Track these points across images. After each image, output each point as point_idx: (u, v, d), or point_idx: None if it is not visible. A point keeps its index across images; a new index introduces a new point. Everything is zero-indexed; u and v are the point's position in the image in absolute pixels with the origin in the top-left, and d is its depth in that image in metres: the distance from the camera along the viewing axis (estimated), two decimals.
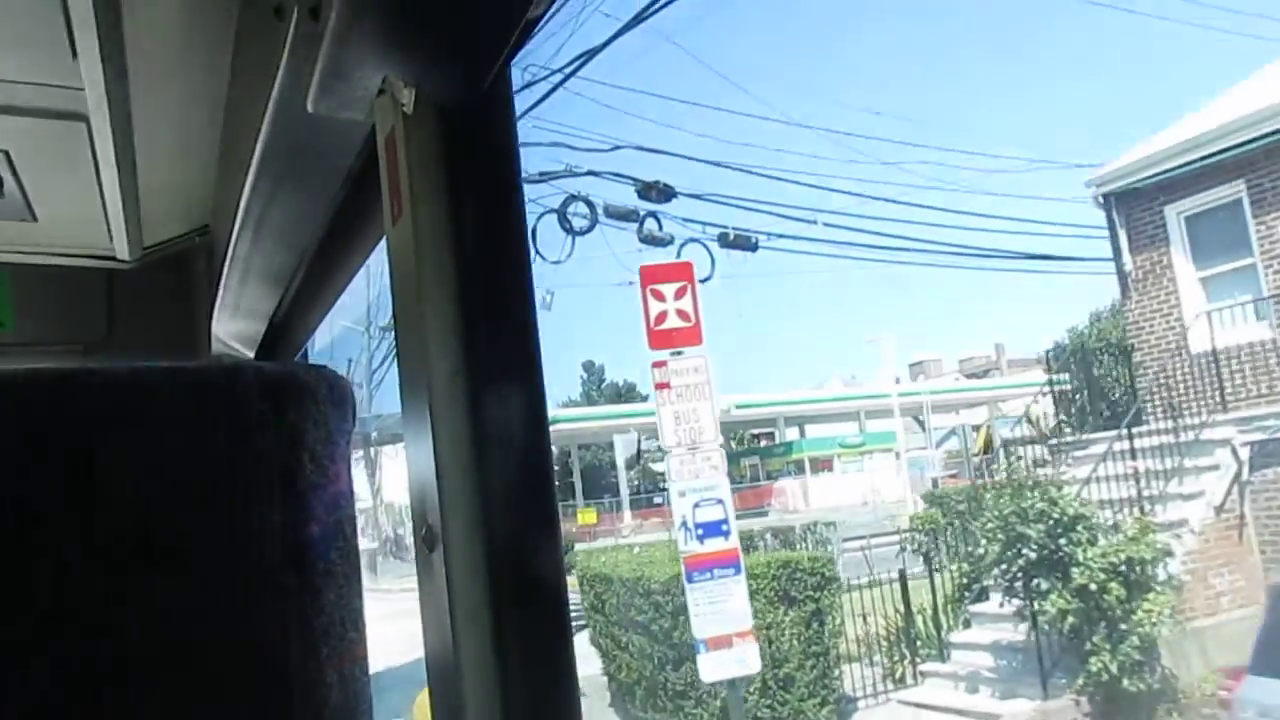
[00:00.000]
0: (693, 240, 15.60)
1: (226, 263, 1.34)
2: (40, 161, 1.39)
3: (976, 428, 40.50)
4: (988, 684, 9.78)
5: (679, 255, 15.31)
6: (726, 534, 7.89)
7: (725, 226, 16.33)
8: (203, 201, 1.62)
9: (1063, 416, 13.16)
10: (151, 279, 1.78)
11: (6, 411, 0.39)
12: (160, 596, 0.39)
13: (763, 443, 49.92)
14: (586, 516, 35.93)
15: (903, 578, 11.21)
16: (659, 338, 8.13)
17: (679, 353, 8.12)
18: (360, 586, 0.45)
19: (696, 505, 7.90)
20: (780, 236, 17.25)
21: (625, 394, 51.73)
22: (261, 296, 1.41)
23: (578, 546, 26.40)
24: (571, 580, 16.04)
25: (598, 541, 27.47)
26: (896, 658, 10.79)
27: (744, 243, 16.29)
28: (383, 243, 0.87)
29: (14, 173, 1.40)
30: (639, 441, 36.31)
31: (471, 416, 0.59)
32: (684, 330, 8.14)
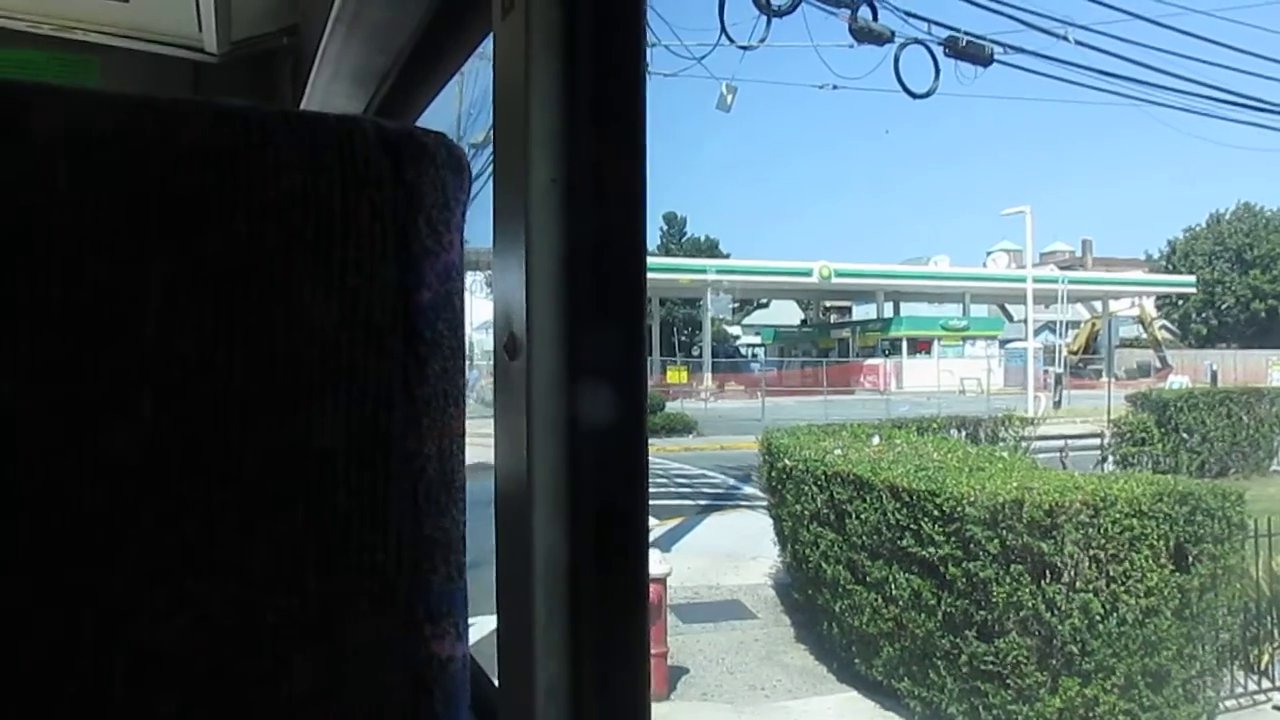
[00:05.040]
0: (915, 42, 13.16)
1: (315, 62, 1.32)
2: None
3: (1075, 324, 38.98)
4: None
5: (897, 58, 13.06)
6: None
7: (956, 29, 13.39)
8: (293, 1, 1.63)
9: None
10: (237, 77, 1.79)
11: (113, 133, 0.37)
12: (263, 336, 0.39)
13: (833, 318, 48.56)
14: (677, 374, 34.63)
15: None
16: None
17: None
18: (463, 363, 0.45)
19: None
20: (1018, 50, 13.74)
21: (707, 249, 49.99)
22: (349, 99, 1.38)
23: (667, 406, 26.22)
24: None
25: (677, 402, 27.55)
26: (1260, 636, 7.30)
27: (976, 54, 13.36)
28: (482, 47, 0.83)
29: None
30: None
31: (565, 225, 0.57)
32: None
